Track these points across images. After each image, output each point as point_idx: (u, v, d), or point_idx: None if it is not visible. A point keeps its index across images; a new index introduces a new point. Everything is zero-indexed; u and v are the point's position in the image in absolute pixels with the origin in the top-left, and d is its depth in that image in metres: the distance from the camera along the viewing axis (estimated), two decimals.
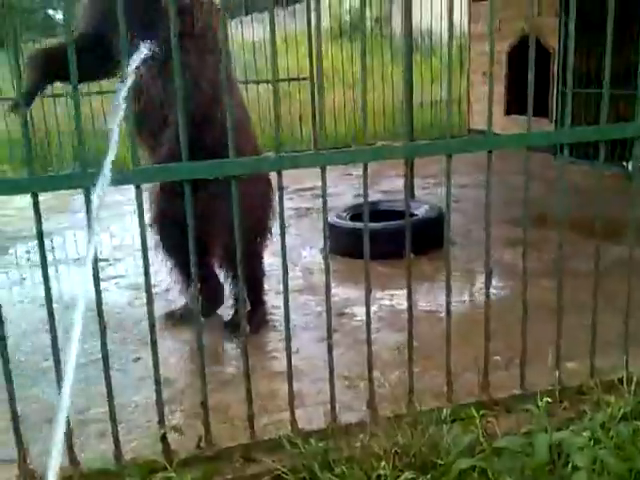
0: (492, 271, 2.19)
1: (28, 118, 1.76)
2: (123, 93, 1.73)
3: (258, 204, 3.11)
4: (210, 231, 3.03)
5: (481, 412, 2.19)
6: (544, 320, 2.45)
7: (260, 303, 3.34)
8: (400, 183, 5.97)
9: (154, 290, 2.25)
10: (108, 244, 5.01)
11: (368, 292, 2.11)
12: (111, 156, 1.64)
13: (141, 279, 3.90)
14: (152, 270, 2.09)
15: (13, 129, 7.91)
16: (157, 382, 2.03)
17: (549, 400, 2.20)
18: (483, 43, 8.26)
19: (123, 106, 1.74)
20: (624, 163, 5.23)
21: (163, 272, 4.07)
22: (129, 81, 1.77)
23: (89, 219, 1.84)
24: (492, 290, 2.39)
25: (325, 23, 11.47)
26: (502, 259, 3.90)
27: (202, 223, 2.62)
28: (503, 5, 7.74)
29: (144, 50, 2.35)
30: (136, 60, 2.13)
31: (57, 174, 1.94)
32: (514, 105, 7.64)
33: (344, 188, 6.36)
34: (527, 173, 2.07)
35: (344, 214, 4.70)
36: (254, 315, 3.22)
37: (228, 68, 2.82)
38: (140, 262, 1.99)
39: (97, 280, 1.87)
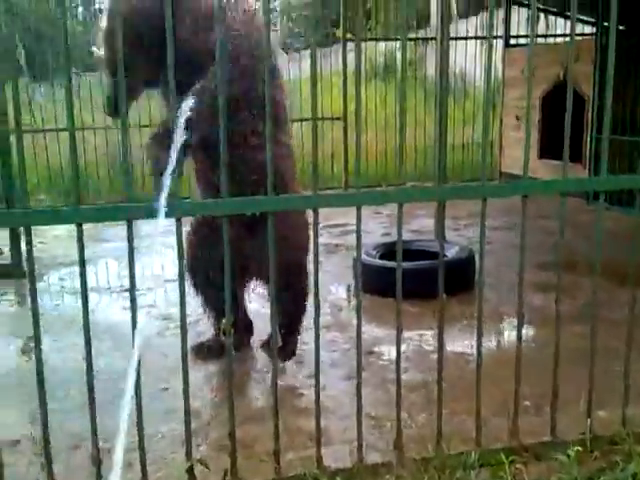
0: (524, 315, 2.19)
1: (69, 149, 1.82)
2: (178, 140, 1.81)
3: (299, 237, 3.11)
4: (248, 264, 3.08)
5: (510, 458, 2.16)
6: (575, 366, 2.43)
7: (296, 333, 3.31)
8: (429, 223, 5.98)
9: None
10: (140, 274, 5.08)
11: (399, 332, 2.12)
12: (165, 191, 1.70)
13: (172, 310, 4.01)
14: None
15: (53, 160, 8.15)
16: (187, 413, 2.06)
17: (579, 449, 2.16)
18: (516, 88, 8.31)
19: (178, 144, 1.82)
20: None
21: (192, 303, 4.14)
22: (178, 137, 1.85)
23: (130, 251, 1.90)
24: (523, 334, 2.38)
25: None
26: (532, 303, 3.86)
27: (239, 257, 2.67)
28: (538, 51, 7.81)
29: (190, 104, 2.38)
30: (185, 112, 2.22)
31: (102, 206, 2.00)
32: (547, 149, 7.64)
33: (373, 226, 6.38)
34: (562, 220, 2.08)
35: (374, 252, 4.71)
36: (287, 344, 3.23)
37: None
38: (171, 292, 2.04)
39: (134, 314, 1.91)
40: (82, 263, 1.86)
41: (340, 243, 5.92)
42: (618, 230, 4.50)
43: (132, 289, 1.90)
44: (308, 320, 3.11)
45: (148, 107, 8.35)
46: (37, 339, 1.86)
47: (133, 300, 1.92)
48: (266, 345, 3.26)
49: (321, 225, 6.22)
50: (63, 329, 3.84)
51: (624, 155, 5.91)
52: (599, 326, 2.35)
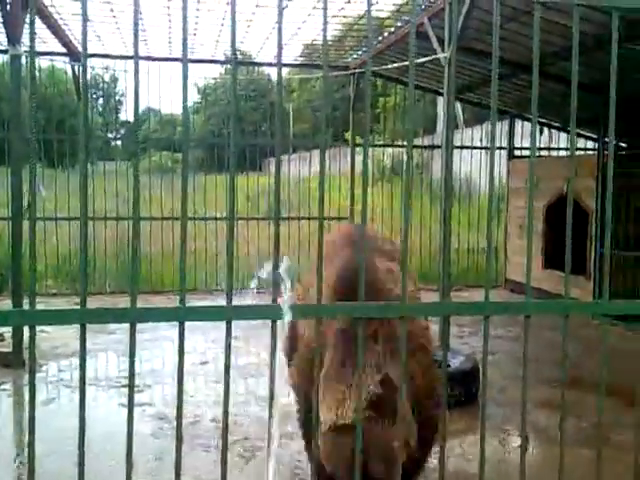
0: (527, 437, 2.13)
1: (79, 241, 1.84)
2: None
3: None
4: None
5: None
6: None
7: None
8: (434, 329, 5.93)
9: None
10: (139, 370, 5.03)
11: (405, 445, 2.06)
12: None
13: (168, 409, 3.94)
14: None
15: (62, 245, 8.26)
16: None
17: None
18: (520, 198, 8.48)
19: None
20: None
21: (190, 404, 4.07)
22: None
23: (132, 353, 1.89)
24: (527, 457, 2.31)
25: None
26: (537, 422, 3.76)
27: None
28: (542, 164, 8.03)
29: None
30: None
31: (107, 308, 2.00)
32: (551, 260, 7.70)
33: None
34: (564, 341, 2.07)
35: None
36: None
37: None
38: (169, 391, 2.00)
39: (130, 421, 1.87)
40: (83, 369, 1.84)
41: None
42: (624, 346, 4.47)
43: (131, 390, 1.88)
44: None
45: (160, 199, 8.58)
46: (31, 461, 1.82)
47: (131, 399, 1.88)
48: None
49: None
50: (56, 432, 3.76)
51: (628, 269, 5.95)
52: (606, 450, 2.28)
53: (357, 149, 9.28)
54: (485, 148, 10.13)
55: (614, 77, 1.87)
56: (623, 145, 8.16)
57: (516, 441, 3.35)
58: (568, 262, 2.07)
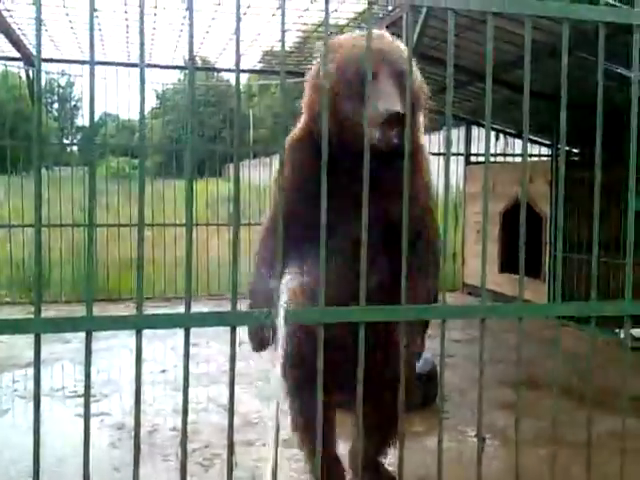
0: (485, 439, 2.17)
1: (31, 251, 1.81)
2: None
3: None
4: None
5: None
6: None
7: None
8: None
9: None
10: (96, 379, 4.94)
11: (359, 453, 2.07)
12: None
13: (126, 419, 3.87)
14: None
15: (16, 254, 8.07)
16: None
17: None
18: (477, 203, 8.63)
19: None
20: (617, 330, 5.28)
21: (149, 412, 4.01)
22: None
23: (87, 363, 1.86)
24: (484, 458, 2.35)
25: None
26: (495, 423, 3.83)
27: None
28: (498, 169, 8.19)
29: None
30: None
31: (62, 317, 1.97)
32: (508, 264, 7.85)
33: None
34: (519, 344, 2.11)
35: None
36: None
37: None
38: (127, 400, 1.97)
39: (87, 431, 1.84)
40: (37, 380, 1.80)
41: None
42: (579, 348, 4.57)
43: (87, 400, 1.85)
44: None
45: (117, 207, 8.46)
46: None
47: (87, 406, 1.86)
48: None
49: None
50: (10, 445, 3.67)
51: (583, 270, 6.10)
52: (561, 449, 2.34)
53: None
54: (442, 154, 10.26)
55: (565, 85, 1.93)
56: (576, 151, 8.38)
57: (474, 442, 3.40)
58: (522, 266, 2.12)
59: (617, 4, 4.44)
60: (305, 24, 7.12)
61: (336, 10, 6.53)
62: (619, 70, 5.83)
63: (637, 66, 1.94)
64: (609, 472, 2.44)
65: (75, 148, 11.43)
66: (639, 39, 1.88)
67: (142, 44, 1.78)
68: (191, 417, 3.86)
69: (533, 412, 3.69)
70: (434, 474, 2.19)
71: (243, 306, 1.93)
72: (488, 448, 3.52)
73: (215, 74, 15.44)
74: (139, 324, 1.84)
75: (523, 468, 2.29)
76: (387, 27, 6.29)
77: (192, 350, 1.89)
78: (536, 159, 9.10)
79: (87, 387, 1.87)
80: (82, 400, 1.88)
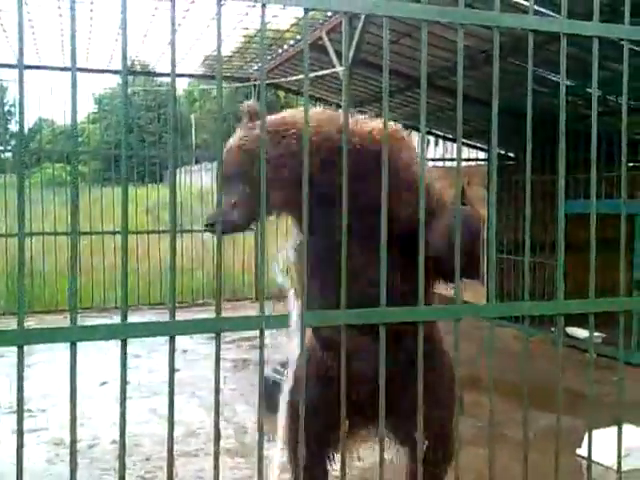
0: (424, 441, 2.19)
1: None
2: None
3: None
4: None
5: None
6: None
7: None
8: None
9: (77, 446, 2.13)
10: (32, 393, 4.77)
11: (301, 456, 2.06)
12: None
13: (64, 433, 3.75)
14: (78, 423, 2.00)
15: None
16: None
17: None
18: None
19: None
20: (552, 329, 5.45)
21: (89, 426, 3.91)
22: None
23: (20, 377, 1.80)
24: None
25: None
26: None
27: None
28: (440, 174, 8.33)
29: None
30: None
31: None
32: None
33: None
34: (457, 343, 2.15)
35: (281, 368, 4.65)
36: None
37: None
38: (65, 414, 1.91)
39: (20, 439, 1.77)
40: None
41: (248, 358, 5.83)
42: (515, 347, 4.69)
43: (20, 416, 1.78)
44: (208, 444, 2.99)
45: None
46: None
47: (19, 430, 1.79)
48: None
49: (230, 338, 6.11)
50: None
51: (518, 272, 6.27)
52: (501, 447, 2.39)
53: None
54: None
55: (496, 91, 1.98)
56: (511, 155, 8.63)
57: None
58: (457, 268, 2.15)
59: (549, 12, 4.61)
60: (246, 28, 7.09)
61: (277, 16, 6.53)
62: (549, 76, 6.05)
63: (564, 72, 2.01)
64: (546, 468, 2.52)
65: (9, 155, 11.05)
66: (565, 46, 1.95)
67: (73, 48, 1.74)
68: (132, 429, 3.78)
69: (474, 412, 3.77)
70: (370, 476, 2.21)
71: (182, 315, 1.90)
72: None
73: (156, 79, 15.22)
74: (73, 336, 1.79)
75: (463, 466, 2.33)
76: (327, 33, 6.34)
77: (134, 361, 1.85)
78: (473, 163, 9.31)
79: (20, 401, 1.81)
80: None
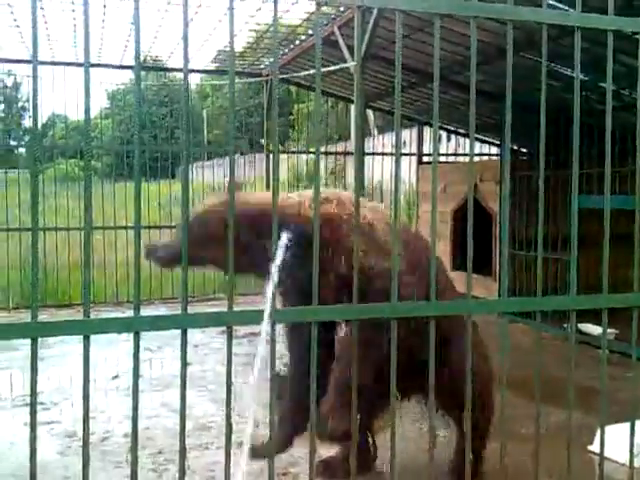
0: (435, 437, 2.20)
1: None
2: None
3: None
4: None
5: None
6: None
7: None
8: None
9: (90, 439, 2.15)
10: (46, 386, 4.81)
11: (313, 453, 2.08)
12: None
13: (76, 426, 3.78)
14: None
15: None
16: None
17: None
18: (430, 202, 8.73)
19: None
20: (564, 325, 5.41)
21: (101, 419, 3.94)
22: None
23: (33, 369, 1.81)
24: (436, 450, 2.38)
25: (283, 176, 12.04)
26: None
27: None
28: (450, 169, 8.31)
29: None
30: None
31: (4, 324, 1.92)
32: (460, 262, 7.96)
33: None
34: (468, 340, 2.15)
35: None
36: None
37: None
38: (77, 407, 1.93)
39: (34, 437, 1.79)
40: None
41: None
42: (527, 343, 4.66)
43: (33, 408, 1.80)
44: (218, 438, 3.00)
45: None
46: None
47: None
48: None
49: (242, 333, 6.15)
50: None
51: (531, 269, 6.23)
52: (512, 443, 2.38)
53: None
54: (392, 154, 10.34)
55: (510, 86, 1.97)
56: (524, 151, 8.57)
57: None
58: (470, 263, 2.15)
59: (561, 6, 4.57)
60: (258, 24, 7.09)
61: (288, 11, 6.52)
62: (561, 70, 5.99)
63: (578, 66, 2.00)
64: (558, 464, 2.51)
65: (23, 150, 11.12)
66: (579, 40, 1.93)
67: (87, 43, 1.75)
68: (144, 423, 3.81)
69: None
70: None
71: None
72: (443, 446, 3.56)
73: (168, 74, 15.26)
74: (86, 329, 1.80)
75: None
76: (339, 28, 6.32)
77: (145, 355, 1.86)
78: (486, 158, 9.27)
79: (33, 394, 1.83)
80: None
